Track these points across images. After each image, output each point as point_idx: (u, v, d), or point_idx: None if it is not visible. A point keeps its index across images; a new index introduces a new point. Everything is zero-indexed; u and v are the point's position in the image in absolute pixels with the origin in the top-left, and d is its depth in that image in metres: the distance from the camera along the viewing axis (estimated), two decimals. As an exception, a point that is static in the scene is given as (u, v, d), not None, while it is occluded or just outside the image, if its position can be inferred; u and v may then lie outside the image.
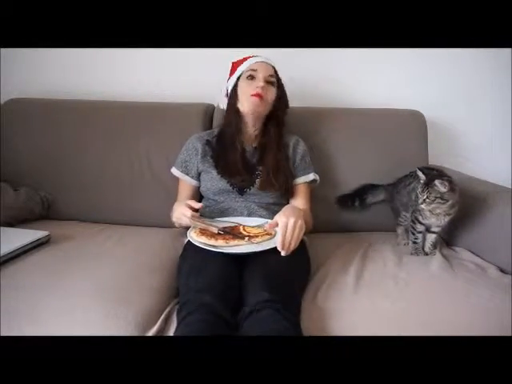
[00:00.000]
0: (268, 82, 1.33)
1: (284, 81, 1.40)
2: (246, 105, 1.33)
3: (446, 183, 1.19)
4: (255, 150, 1.40)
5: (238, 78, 1.35)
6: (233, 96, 1.37)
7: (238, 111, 1.36)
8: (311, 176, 1.41)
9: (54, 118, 1.65)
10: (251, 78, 1.32)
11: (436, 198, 1.20)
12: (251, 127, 1.39)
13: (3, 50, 1.79)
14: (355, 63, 1.75)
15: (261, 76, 1.32)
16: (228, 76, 1.40)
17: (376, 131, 1.59)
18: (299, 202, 1.37)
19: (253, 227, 1.20)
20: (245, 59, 1.37)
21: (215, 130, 1.46)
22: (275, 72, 1.37)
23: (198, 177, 1.39)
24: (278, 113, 1.38)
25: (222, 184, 1.34)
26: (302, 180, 1.40)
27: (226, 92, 1.41)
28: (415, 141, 1.60)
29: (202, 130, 1.58)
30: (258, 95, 1.30)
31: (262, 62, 1.35)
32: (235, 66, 1.39)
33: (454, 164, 1.73)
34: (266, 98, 1.32)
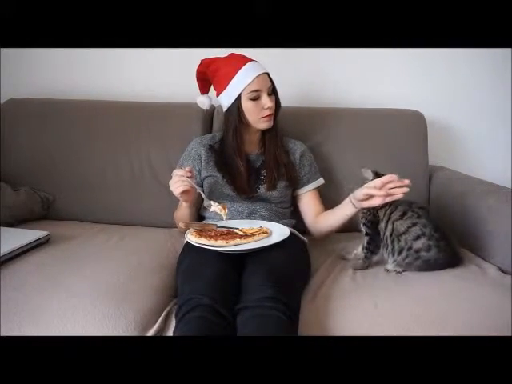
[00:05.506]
0: (270, 94, 1.30)
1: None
2: (258, 125, 1.32)
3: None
4: (259, 155, 1.39)
5: (239, 97, 1.28)
6: (237, 113, 1.30)
7: (247, 125, 1.32)
8: (322, 180, 1.43)
9: (54, 118, 1.65)
10: (256, 98, 1.28)
11: None
12: (254, 134, 1.38)
13: (3, 49, 1.79)
14: (355, 63, 1.75)
15: (265, 94, 1.27)
16: (213, 78, 1.34)
17: (376, 131, 1.59)
18: (318, 206, 1.38)
19: (249, 228, 1.20)
20: (234, 67, 1.27)
21: (217, 135, 1.44)
22: (268, 76, 1.31)
23: (200, 182, 1.37)
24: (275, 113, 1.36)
25: (226, 189, 1.33)
26: (315, 185, 1.41)
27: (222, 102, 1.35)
28: (415, 141, 1.60)
29: (202, 130, 1.58)
30: (269, 116, 1.30)
31: (259, 75, 1.27)
32: (225, 74, 1.29)
33: (454, 164, 1.73)
34: (273, 109, 1.31)
